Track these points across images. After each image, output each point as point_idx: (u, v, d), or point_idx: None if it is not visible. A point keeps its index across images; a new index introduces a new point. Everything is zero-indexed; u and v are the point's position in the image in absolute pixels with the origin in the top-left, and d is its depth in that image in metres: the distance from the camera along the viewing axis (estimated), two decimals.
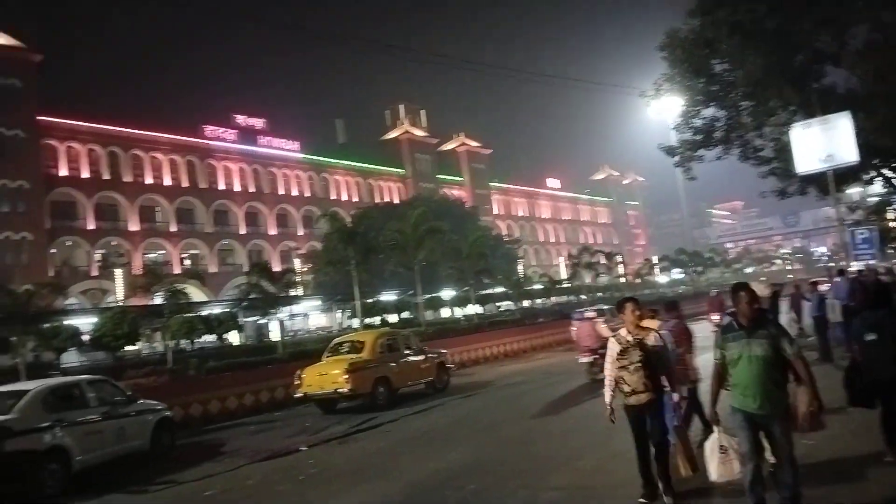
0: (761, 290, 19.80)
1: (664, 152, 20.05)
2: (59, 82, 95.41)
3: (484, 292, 44.00)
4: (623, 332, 5.93)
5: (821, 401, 4.83)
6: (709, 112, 18.85)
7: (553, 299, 50.66)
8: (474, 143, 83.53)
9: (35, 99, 45.76)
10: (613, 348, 5.88)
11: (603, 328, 12.71)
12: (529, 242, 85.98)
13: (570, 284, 52.72)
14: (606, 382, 5.96)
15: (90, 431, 9.73)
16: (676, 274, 71.65)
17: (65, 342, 22.38)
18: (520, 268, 59.69)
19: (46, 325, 22.16)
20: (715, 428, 5.17)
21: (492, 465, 8.08)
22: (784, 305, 16.23)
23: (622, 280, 60.91)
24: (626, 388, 5.72)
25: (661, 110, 22.33)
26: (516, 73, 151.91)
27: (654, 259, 74.89)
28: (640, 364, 5.65)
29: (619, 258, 58.11)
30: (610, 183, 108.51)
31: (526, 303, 46.16)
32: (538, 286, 51.87)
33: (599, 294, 53.47)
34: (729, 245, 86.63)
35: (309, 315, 47.79)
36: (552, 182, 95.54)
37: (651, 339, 5.78)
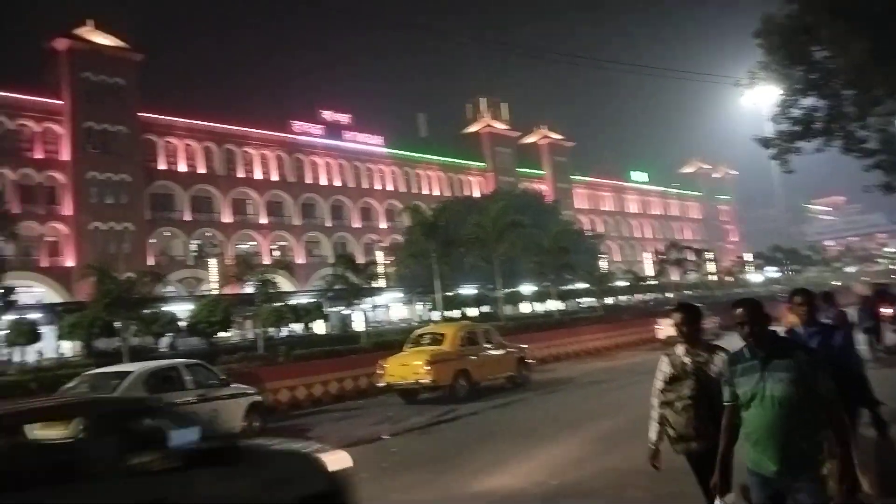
0: (861, 289, 18.60)
1: (759, 144, 19.12)
2: (159, 80, 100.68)
3: (565, 288, 43.45)
4: (680, 350, 4.33)
5: (856, 477, 3.46)
6: (808, 101, 17.81)
7: (637, 296, 49.48)
8: (556, 136, 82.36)
9: (137, 96, 48.50)
10: (665, 371, 4.37)
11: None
12: (615, 238, 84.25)
13: (655, 282, 51.31)
14: (652, 415, 4.45)
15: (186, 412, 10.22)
16: (771, 272, 68.52)
17: (163, 328, 23.66)
18: (603, 263, 58.66)
19: (146, 311, 23.43)
20: (717, 500, 3.68)
21: (575, 462, 7.98)
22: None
23: (712, 278, 58.79)
24: (671, 432, 4.24)
25: (756, 100, 21.34)
26: (601, 63, 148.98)
27: (747, 256, 71.95)
28: (691, 401, 4.11)
29: (709, 255, 56.04)
30: (700, 176, 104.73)
31: (609, 300, 45.29)
32: (622, 283, 50.79)
33: (688, 292, 51.84)
34: (828, 242, 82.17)
35: (390, 307, 48.59)
36: (638, 175, 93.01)
37: (717, 365, 4.10)
